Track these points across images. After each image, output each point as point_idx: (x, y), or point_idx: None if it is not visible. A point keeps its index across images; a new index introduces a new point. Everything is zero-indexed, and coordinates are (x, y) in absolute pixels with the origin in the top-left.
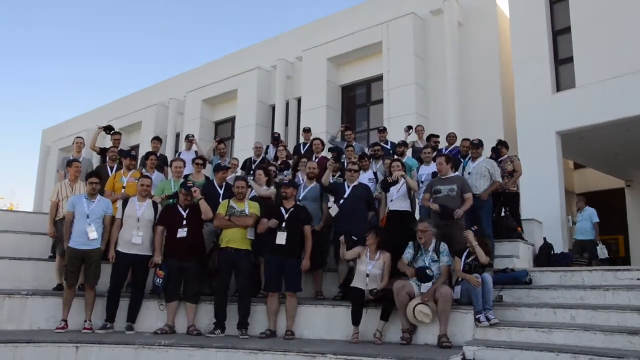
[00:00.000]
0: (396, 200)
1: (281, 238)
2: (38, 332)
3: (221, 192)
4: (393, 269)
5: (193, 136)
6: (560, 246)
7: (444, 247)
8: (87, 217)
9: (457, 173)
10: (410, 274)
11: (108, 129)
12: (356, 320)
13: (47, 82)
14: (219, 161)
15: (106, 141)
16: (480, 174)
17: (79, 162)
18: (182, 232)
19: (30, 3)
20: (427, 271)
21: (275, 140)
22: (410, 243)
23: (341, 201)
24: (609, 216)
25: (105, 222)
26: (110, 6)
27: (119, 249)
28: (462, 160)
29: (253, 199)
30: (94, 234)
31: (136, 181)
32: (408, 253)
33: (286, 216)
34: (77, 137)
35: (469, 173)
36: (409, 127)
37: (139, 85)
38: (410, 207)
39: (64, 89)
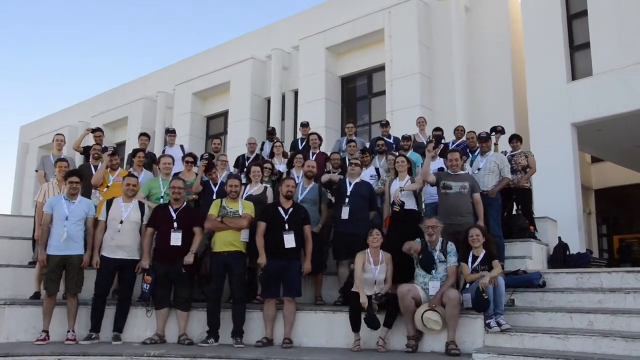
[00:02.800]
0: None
1: (289, 241)
2: (17, 345)
3: (215, 189)
4: (395, 271)
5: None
6: (576, 246)
7: (451, 246)
8: (67, 219)
9: (466, 171)
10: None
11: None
12: (356, 326)
13: (25, 76)
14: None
15: (88, 139)
16: (489, 169)
17: (66, 160)
18: (176, 239)
19: None
20: (434, 271)
21: (270, 134)
22: (418, 241)
23: (346, 200)
24: (631, 213)
25: (87, 224)
26: None
27: (104, 253)
28: (469, 154)
29: (248, 198)
30: (64, 235)
31: (122, 180)
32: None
33: (286, 217)
34: (58, 134)
35: (478, 169)
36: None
37: (125, 78)
38: (417, 205)
39: (43, 83)
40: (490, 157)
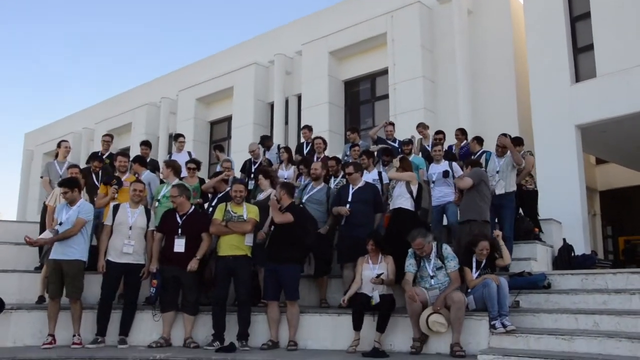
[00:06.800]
0: (395, 199)
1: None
2: (23, 349)
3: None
4: (398, 273)
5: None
6: (581, 247)
7: (447, 250)
8: (61, 224)
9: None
10: (422, 300)
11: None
12: (358, 325)
13: (29, 82)
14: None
15: (95, 144)
16: (510, 170)
17: (77, 166)
18: (179, 246)
19: None
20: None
21: (263, 140)
22: (410, 252)
23: (347, 206)
24: (636, 215)
25: (76, 224)
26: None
27: (110, 258)
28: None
29: (255, 204)
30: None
31: (129, 186)
32: (410, 265)
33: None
34: (63, 140)
35: (497, 171)
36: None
37: (129, 84)
38: (414, 205)
39: (48, 89)
40: (507, 157)
